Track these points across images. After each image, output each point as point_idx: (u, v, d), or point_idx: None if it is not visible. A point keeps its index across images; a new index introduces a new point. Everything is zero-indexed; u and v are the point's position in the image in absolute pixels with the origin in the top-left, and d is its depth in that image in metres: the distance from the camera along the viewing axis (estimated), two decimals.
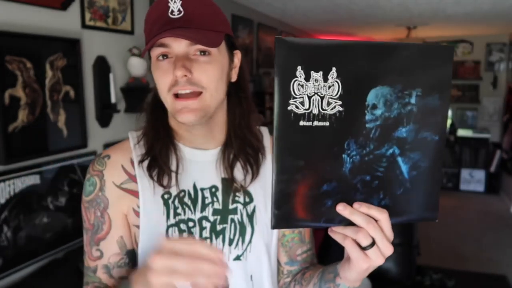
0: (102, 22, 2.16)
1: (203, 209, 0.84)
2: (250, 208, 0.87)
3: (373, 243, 0.64)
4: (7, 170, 1.70)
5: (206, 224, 0.84)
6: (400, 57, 0.63)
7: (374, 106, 0.62)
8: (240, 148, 0.86)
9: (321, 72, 0.60)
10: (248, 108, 0.89)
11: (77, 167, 2.05)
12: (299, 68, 0.59)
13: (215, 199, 0.85)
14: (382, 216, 0.64)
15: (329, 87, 0.60)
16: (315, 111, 0.60)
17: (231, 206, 0.85)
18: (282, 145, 0.61)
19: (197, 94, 0.76)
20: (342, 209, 0.63)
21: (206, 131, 0.84)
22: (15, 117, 1.70)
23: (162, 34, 0.73)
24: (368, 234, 0.63)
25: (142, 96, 2.40)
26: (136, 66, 2.28)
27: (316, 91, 0.60)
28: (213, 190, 0.85)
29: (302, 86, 0.59)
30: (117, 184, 0.83)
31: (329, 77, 0.60)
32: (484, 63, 6.65)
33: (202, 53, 0.76)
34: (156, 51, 0.77)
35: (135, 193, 0.83)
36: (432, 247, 4.06)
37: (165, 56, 0.77)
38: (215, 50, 0.77)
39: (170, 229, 0.82)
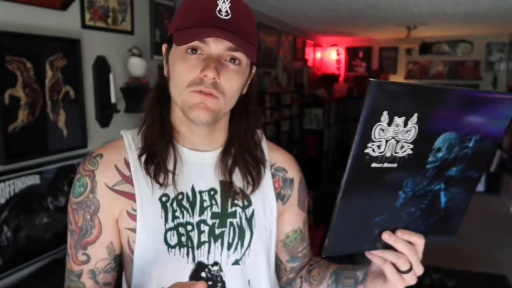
0: (102, 22, 2.15)
1: (201, 212, 0.82)
2: (249, 211, 0.85)
3: (410, 268, 0.67)
4: (7, 170, 1.70)
5: (205, 228, 0.82)
6: (479, 107, 0.63)
7: (439, 149, 0.64)
8: (241, 157, 0.85)
9: (403, 118, 0.59)
10: (254, 121, 0.88)
11: (77, 167, 2.04)
12: (385, 113, 0.57)
13: (213, 202, 0.83)
14: (421, 241, 0.68)
15: (407, 131, 0.60)
16: (388, 154, 0.61)
17: (230, 210, 0.84)
18: (353, 185, 0.61)
19: (215, 97, 0.75)
20: (387, 237, 0.66)
21: (209, 132, 0.83)
22: (15, 117, 1.70)
23: (210, 29, 0.71)
24: (407, 260, 0.67)
25: (142, 96, 2.40)
26: (136, 66, 2.28)
27: (394, 136, 0.59)
28: (212, 193, 0.84)
29: (383, 130, 0.58)
30: (110, 185, 0.80)
31: (409, 122, 0.59)
32: (484, 63, 6.65)
33: (233, 61, 0.75)
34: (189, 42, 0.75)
35: (129, 195, 0.80)
36: (432, 247, 4.04)
37: (194, 51, 0.75)
38: (245, 61, 0.77)
39: (169, 233, 0.80)
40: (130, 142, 0.84)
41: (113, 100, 2.17)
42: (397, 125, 0.59)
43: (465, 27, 5.64)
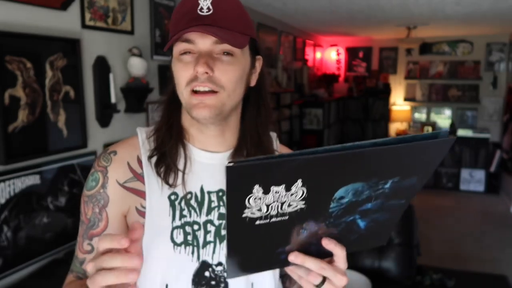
0: (102, 22, 2.16)
1: (208, 212, 0.83)
2: None
3: (323, 281, 0.67)
4: (7, 170, 1.70)
5: (211, 228, 0.83)
6: (378, 160, 0.56)
7: (342, 198, 0.60)
8: (251, 152, 0.85)
9: (283, 185, 0.54)
10: (266, 116, 0.88)
11: (77, 167, 2.04)
12: (256, 186, 0.52)
13: (221, 203, 0.84)
14: (340, 253, 0.67)
15: (292, 194, 0.56)
16: (273, 213, 0.57)
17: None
18: (236, 242, 0.59)
19: (214, 93, 0.76)
20: (293, 259, 0.66)
21: (218, 133, 0.83)
22: (15, 117, 1.70)
23: (190, 28, 0.73)
24: (317, 275, 0.66)
25: (142, 96, 2.40)
26: (136, 66, 2.28)
27: (276, 200, 0.55)
28: (220, 194, 0.84)
29: (260, 198, 0.54)
30: (121, 182, 0.82)
31: (293, 187, 0.55)
32: (484, 63, 6.65)
33: (226, 54, 0.76)
34: (180, 46, 0.77)
35: (139, 193, 0.82)
36: (432, 247, 4.06)
37: (188, 52, 0.77)
38: (238, 52, 0.77)
39: (175, 231, 0.81)
40: (143, 140, 0.86)
41: (113, 100, 2.17)
42: (277, 192, 0.54)
43: (465, 27, 5.64)
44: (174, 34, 0.77)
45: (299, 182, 0.54)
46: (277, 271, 0.91)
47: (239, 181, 0.51)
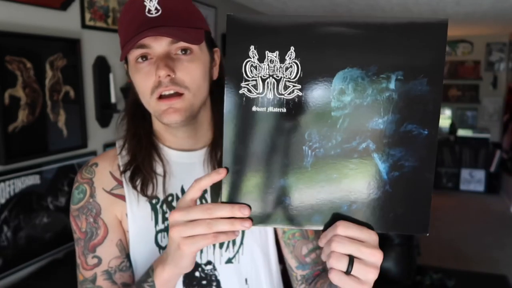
0: (102, 22, 2.15)
1: None
2: None
3: (352, 261, 0.53)
4: (7, 170, 1.70)
5: None
6: (375, 35, 0.53)
7: (342, 92, 0.53)
8: None
9: (277, 52, 0.53)
10: None
11: (77, 167, 2.04)
12: (252, 47, 0.53)
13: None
14: (341, 224, 0.54)
15: (286, 68, 0.53)
16: (270, 96, 0.54)
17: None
18: (233, 132, 0.54)
19: (180, 95, 0.73)
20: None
21: (191, 132, 0.82)
22: (15, 117, 1.70)
23: (142, 33, 0.69)
24: (339, 254, 0.53)
25: None
26: None
27: (271, 73, 0.53)
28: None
29: (256, 67, 0.53)
30: (107, 190, 0.81)
31: (287, 57, 0.53)
32: (484, 63, 6.65)
33: (184, 52, 0.73)
34: (134, 53, 0.73)
35: (125, 199, 0.81)
36: (432, 247, 4.06)
37: (144, 57, 0.74)
38: (196, 48, 0.75)
39: (160, 235, 0.81)
40: (119, 152, 0.85)
41: (113, 100, 2.17)
42: (272, 61, 0.53)
43: (465, 27, 5.63)
44: (126, 41, 0.73)
45: (292, 51, 0.53)
46: (273, 264, 0.89)
47: (237, 34, 0.52)
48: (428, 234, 0.56)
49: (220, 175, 0.56)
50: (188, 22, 0.74)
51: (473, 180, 6.36)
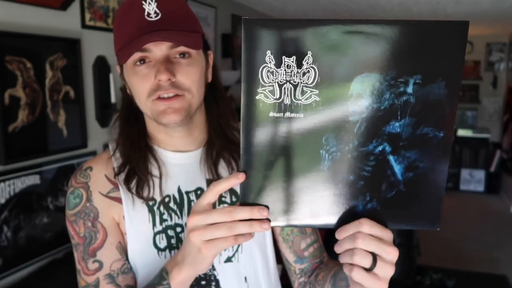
0: (102, 22, 2.15)
1: (189, 213, 0.82)
2: None
3: (375, 259, 0.55)
4: (7, 170, 1.70)
5: None
6: (394, 39, 0.52)
7: (359, 96, 0.54)
8: (222, 146, 0.84)
9: (294, 57, 0.53)
10: (225, 107, 0.87)
11: (77, 167, 2.04)
12: (268, 53, 0.52)
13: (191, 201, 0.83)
14: (366, 222, 0.56)
15: (304, 74, 0.53)
16: (287, 101, 0.54)
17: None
18: (250, 137, 0.55)
19: (179, 96, 0.74)
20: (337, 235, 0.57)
21: (186, 133, 0.82)
22: (15, 117, 1.70)
23: (145, 38, 0.69)
24: (364, 252, 0.55)
25: None
26: None
27: (288, 79, 0.53)
28: (199, 192, 0.83)
29: (272, 73, 0.53)
30: (104, 193, 0.81)
31: (304, 62, 0.53)
32: (484, 63, 6.65)
33: (182, 56, 0.74)
34: (133, 56, 0.74)
35: (121, 201, 0.81)
36: (432, 247, 4.06)
37: (142, 60, 0.74)
38: (194, 52, 0.76)
39: (157, 236, 0.80)
40: (112, 155, 0.85)
41: (113, 100, 2.17)
42: (288, 66, 0.53)
43: None
44: (125, 44, 0.74)
45: (309, 56, 0.52)
46: (270, 262, 0.89)
47: (254, 40, 0.51)
48: (438, 229, 0.58)
49: (239, 179, 0.56)
50: (186, 26, 0.75)
51: (473, 180, 6.36)
